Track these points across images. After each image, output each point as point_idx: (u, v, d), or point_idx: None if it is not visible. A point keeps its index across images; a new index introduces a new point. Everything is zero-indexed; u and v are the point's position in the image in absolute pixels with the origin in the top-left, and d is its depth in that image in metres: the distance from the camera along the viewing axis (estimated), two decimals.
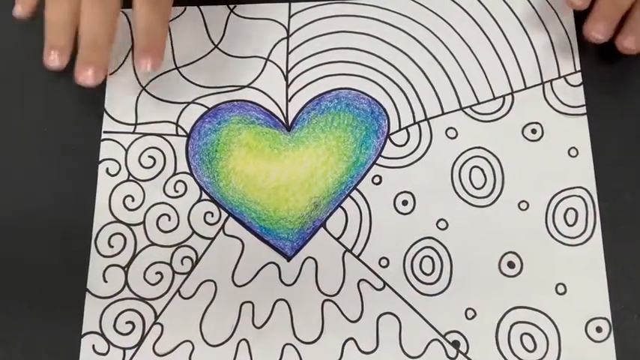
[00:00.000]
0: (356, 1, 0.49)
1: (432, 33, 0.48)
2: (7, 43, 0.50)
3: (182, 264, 0.44)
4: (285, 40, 0.48)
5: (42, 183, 0.46)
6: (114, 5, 0.42)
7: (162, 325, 0.43)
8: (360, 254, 0.43)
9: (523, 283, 0.42)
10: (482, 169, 0.45)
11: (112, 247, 0.44)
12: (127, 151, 0.46)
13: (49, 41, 0.43)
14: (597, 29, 0.43)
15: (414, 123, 0.46)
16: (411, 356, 0.41)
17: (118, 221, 0.45)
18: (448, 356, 0.41)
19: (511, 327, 0.42)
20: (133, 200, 0.45)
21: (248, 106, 0.47)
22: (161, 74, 0.48)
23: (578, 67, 0.46)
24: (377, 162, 0.45)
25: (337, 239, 0.44)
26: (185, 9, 0.49)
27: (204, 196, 0.45)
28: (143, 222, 0.45)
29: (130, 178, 0.46)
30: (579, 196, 0.44)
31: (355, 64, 0.47)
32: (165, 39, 0.44)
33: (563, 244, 0.43)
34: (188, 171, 0.46)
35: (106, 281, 0.44)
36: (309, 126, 0.46)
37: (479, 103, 0.46)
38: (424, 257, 0.43)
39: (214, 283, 0.43)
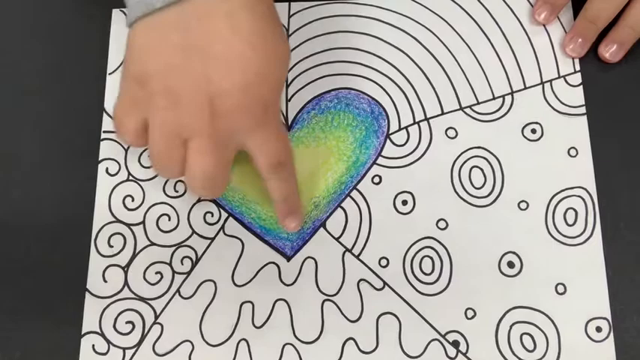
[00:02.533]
0: (356, 1, 0.49)
1: (432, 33, 0.48)
2: (7, 44, 0.50)
3: (182, 264, 0.44)
4: None
5: (42, 183, 0.46)
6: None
7: (162, 325, 0.43)
8: (359, 254, 0.43)
9: (523, 282, 0.42)
10: (482, 169, 0.45)
11: (112, 247, 0.44)
12: (126, 150, 0.46)
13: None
14: (571, 48, 0.46)
15: (414, 123, 0.46)
16: (410, 356, 0.41)
17: (118, 221, 0.45)
18: (448, 356, 0.41)
19: (511, 327, 0.42)
20: (132, 200, 0.45)
21: None
22: None
23: (578, 67, 0.46)
24: (377, 162, 0.45)
25: (337, 239, 0.44)
26: None
27: None
28: (143, 222, 0.45)
29: (130, 177, 0.46)
30: (579, 196, 0.44)
31: (355, 64, 0.47)
32: (299, 201, 0.44)
33: (563, 243, 0.43)
34: None
35: (105, 281, 0.44)
36: (309, 126, 0.46)
37: (479, 103, 0.46)
38: (424, 257, 0.43)
39: (214, 282, 0.43)
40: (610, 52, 0.45)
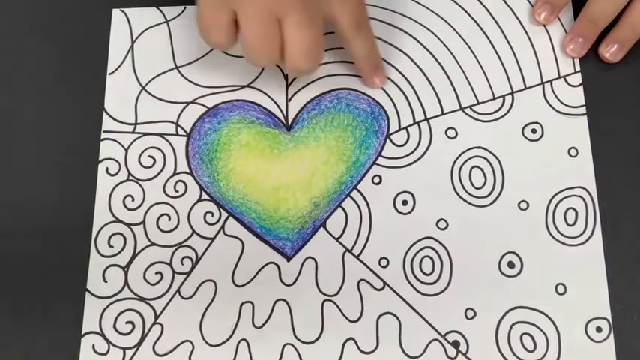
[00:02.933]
0: None
1: (432, 33, 0.48)
2: (7, 44, 0.50)
3: (182, 264, 0.44)
4: None
5: (42, 183, 0.46)
6: None
7: (162, 325, 0.43)
8: (360, 254, 0.43)
9: (523, 283, 0.42)
10: (482, 169, 0.45)
11: (112, 247, 0.44)
12: (126, 150, 0.46)
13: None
14: (571, 48, 0.46)
15: (414, 123, 0.46)
16: (410, 356, 0.41)
17: (118, 221, 0.45)
18: (448, 356, 0.41)
19: (511, 327, 0.42)
20: (132, 200, 0.45)
21: (248, 105, 0.47)
22: (161, 74, 0.48)
23: (578, 67, 0.46)
24: (377, 162, 0.45)
25: (337, 239, 0.44)
26: (185, 8, 0.49)
27: (204, 196, 0.45)
28: (143, 222, 0.45)
29: (130, 177, 0.46)
30: (579, 196, 0.44)
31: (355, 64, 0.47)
32: (380, 57, 0.47)
33: (563, 244, 0.43)
34: (188, 171, 0.46)
35: (106, 281, 0.44)
36: (309, 126, 0.46)
37: (479, 103, 0.46)
38: (424, 257, 0.43)
39: (214, 283, 0.43)
40: (610, 52, 0.45)
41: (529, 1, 0.48)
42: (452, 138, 0.45)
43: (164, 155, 0.46)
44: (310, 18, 0.40)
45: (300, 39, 0.40)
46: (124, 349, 0.42)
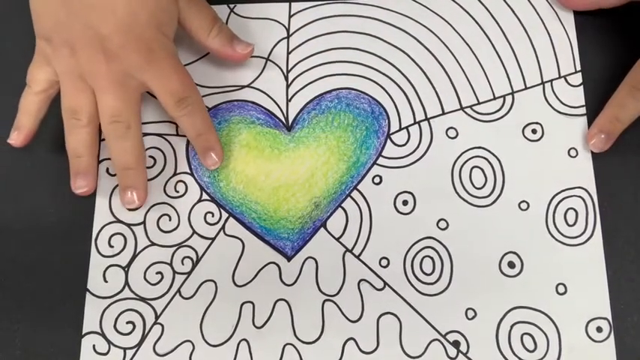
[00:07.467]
0: (356, 1, 0.49)
1: (432, 33, 0.48)
2: (7, 45, 0.50)
3: (182, 264, 0.44)
4: (286, 40, 0.48)
5: (42, 183, 0.46)
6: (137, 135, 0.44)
7: (162, 325, 0.43)
8: (360, 254, 0.43)
9: (523, 283, 0.42)
10: (482, 169, 0.45)
11: (113, 247, 0.44)
12: None
13: (73, 169, 0.44)
14: (593, 143, 0.43)
15: (415, 123, 0.46)
16: (411, 356, 0.42)
17: (119, 221, 0.45)
18: (448, 356, 0.41)
19: (511, 327, 0.42)
20: None
21: (248, 106, 0.47)
22: None
23: (579, 67, 0.46)
24: (377, 162, 0.45)
25: (337, 239, 0.44)
26: None
27: (205, 196, 0.45)
28: (143, 222, 0.45)
29: None
30: (579, 197, 0.44)
31: (355, 64, 0.47)
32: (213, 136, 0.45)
33: (564, 244, 0.43)
34: (188, 171, 0.46)
35: (106, 281, 0.44)
36: (310, 126, 0.46)
37: (479, 103, 0.46)
38: (424, 257, 0.43)
39: (215, 283, 0.43)
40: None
41: (529, 1, 0.48)
42: (452, 138, 0.45)
43: (164, 155, 0.46)
44: (116, 85, 0.42)
45: (105, 103, 0.42)
46: (125, 349, 0.42)
